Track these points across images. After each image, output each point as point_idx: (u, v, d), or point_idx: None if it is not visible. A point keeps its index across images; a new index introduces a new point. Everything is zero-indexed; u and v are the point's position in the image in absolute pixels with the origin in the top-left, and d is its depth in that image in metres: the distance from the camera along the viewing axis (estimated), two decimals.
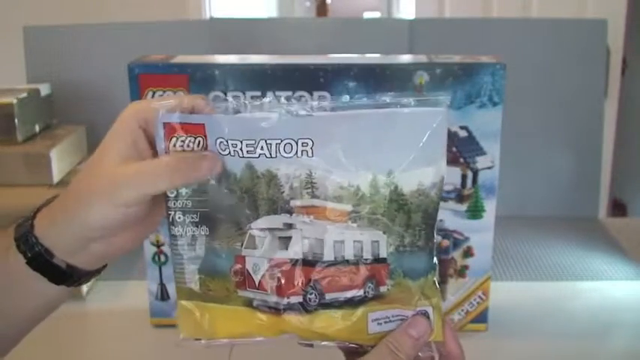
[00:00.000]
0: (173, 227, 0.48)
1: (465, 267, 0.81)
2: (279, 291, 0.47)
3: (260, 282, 0.48)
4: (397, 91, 0.68)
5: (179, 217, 0.48)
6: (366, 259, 0.48)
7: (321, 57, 0.80)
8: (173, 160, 0.46)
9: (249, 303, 0.48)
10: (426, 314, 0.48)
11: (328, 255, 0.47)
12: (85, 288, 0.93)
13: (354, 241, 0.47)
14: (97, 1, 1.40)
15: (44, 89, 1.12)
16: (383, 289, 0.48)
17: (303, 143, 0.46)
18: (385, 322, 0.48)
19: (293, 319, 0.48)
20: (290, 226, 0.47)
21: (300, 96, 0.50)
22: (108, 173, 0.46)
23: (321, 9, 5.77)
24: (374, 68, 0.75)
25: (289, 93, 0.76)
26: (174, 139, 0.47)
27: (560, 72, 1.19)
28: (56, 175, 0.98)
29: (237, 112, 0.47)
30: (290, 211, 0.47)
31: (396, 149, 0.46)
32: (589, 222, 1.20)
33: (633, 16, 1.48)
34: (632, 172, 1.79)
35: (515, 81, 0.83)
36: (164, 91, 0.77)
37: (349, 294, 0.48)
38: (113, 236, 0.49)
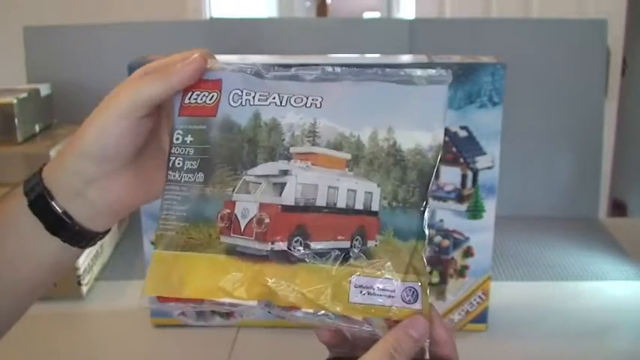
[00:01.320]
0: (170, 172, 0.49)
1: (465, 267, 0.81)
2: (264, 236, 0.46)
3: (246, 227, 0.47)
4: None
5: (178, 163, 0.49)
6: (358, 210, 0.47)
7: (321, 57, 0.80)
8: (161, 67, 0.48)
9: (230, 250, 0.47)
10: (414, 293, 0.46)
11: (321, 200, 0.47)
12: (84, 288, 0.93)
13: (348, 190, 0.47)
14: (97, 1, 1.39)
15: (44, 89, 1.12)
16: (371, 243, 0.46)
17: (313, 99, 0.48)
18: (369, 294, 0.45)
19: (274, 271, 0.46)
20: (286, 172, 0.48)
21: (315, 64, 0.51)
22: (108, 96, 0.48)
23: (321, 9, 5.76)
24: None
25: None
26: (189, 94, 0.50)
27: (560, 72, 1.19)
28: None
29: (259, 75, 0.50)
30: (289, 158, 0.48)
31: (398, 114, 0.48)
32: (589, 222, 1.20)
33: (633, 16, 1.48)
34: (632, 172, 1.79)
35: (515, 81, 0.83)
36: None
37: (336, 244, 0.47)
38: (108, 177, 0.48)
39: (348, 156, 0.48)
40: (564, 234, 1.14)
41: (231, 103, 0.49)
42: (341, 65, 0.51)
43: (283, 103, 0.49)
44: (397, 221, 0.47)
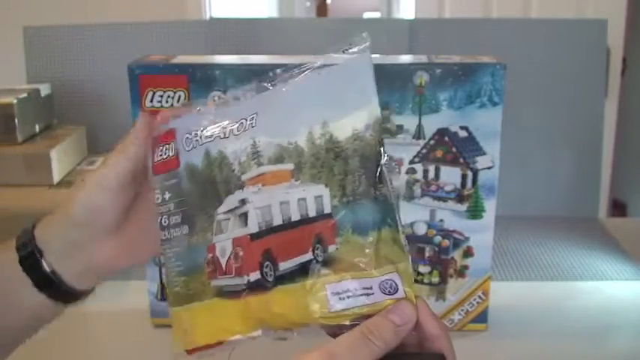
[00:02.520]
0: (162, 232, 0.50)
1: (465, 267, 0.81)
2: (240, 270, 0.46)
3: (227, 266, 0.47)
4: (398, 92, 0.69)
5: (165, 221, 0.50)
6: (312, 217, 0.46)
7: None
8: (129, 136, 0.53)
9: (219, 292, 0.47)
10: (392, 284, 0.44)
11: (277, 219, 0.46)
12: None
13: (299, 199, 0.46)
14: (97, 1, 1.40)
15: (44, 89, 1.12)
16: (332, 248, 0.45)
17: (250, 118, 0.48)
18: (348, 297, 0.43)
19: (254, 301, 0.46)
20: (244, 201, 0.47)
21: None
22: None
23: (321, 9, 5.76)
24: (374, 68, 0.75)
25: None
26: (156, 151, 0.51)
27: (560, 72, 1.19)
28: (56, 175, 0.98)
29: (200, 113, 0.51)
30: (242, 186, 0.48)
31: (329, 102, 0.47)
32: (589, 222, 1.20)
33: (633, 16, 1.48)
34: (632, 172, 1.79)
35: (515, 81, 0.83)
36: (164, 91, 0.77)
37: (299, 259, 0.45)
38: (94, 242, 0.52)
39: (291, 166, 0.47)
40: (564, 234, 1.14)
41: (186, 147, 0.50)
42: (272, 68, 0.50)
43: (226, 135, 0.49)
44: (353, 216, 0.45)
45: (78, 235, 0.51)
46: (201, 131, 0.49)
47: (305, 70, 0.48)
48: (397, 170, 0.78)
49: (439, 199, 0.78)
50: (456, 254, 0.80)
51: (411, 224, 0.79)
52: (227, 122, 0.49)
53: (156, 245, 0.52)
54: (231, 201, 0.48)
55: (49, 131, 1.09)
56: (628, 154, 1.64)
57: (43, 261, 0.51)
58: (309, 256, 0.45)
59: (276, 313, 0.45)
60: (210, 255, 0.48)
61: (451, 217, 0.79)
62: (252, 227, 0.47)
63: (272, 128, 0.47)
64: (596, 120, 1.22)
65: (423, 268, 0.81)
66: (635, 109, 1.64)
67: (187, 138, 0.50)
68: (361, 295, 0.43)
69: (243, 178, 0.48)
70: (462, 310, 0.82)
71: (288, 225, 0.46)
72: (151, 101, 0.77)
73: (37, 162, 0.96)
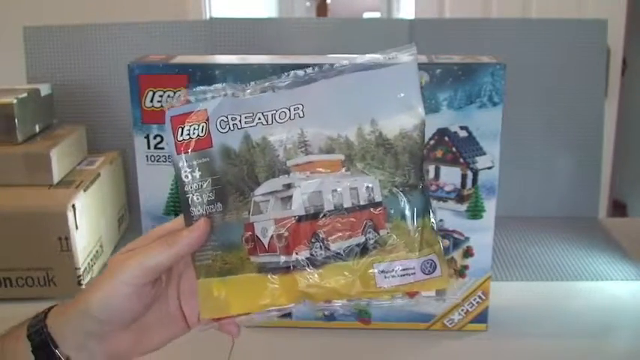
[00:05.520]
0: (193, 209, 0.52)
1: (465, 267, 0.81)
2: (287, 249, 0.50)
3: (269, 244, 0.51)
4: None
5: (197, 199, 0.52)
6: (363, 205, 0.50)
7: (321, 57, 0.80)
8: (167, 237, 0.51)
9: (261, 268, 0.51)
10: (432, 264, 0.50)
11: (328, 205, 0.50)
12: (84, 288, 0.93)
13: (350, 188, 0.50)
14: (97, 1, 1.39)
15: (44, 89, 1.12)
16: (383, 232, 0.51)
17: (294, 108, 0.51)
18: (392, 276, 0.50)
19: (303, 276, 0.50)
20: (289, 185, 0.51)
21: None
22: (114, 261, 0.51)
23: (321, 9, 5.76)
24: None
25: None
26: (179, 130, 0.52)
27: (560, 72, 1.19)
28: (56, 175, 0.98)
29: (235, 96, 0.52)
30: (288, 172, 0.51)
31: (377, 102, 0.51)
32: (589, 222, 1.20)
33: (633, 16, 1.48)
34: (632, 172, 1.79)
35: (515, 81, 0.83)
36: (164, 91, 0.77)
37: (352, 241, 0.50)
38: (112, 334, 0.51)
39: (342, 157, 0.51)
40: (564, 234, 1.14)
41: (220, 129, 0.52)
42: (310, 65, 0.52)
43: (269, 122, 0.51)
44: (401, 205, 0.51)
45: (95, 328, 0.51)
46: (240, 116, 0.51)
47: (352, 69, 0.51)
48: None
49: (439, 199, 0.78)
50: (456, 254, 0.80)
51: None
52: (267, 110, 0.51)
53: (172, 331, 0.55)
54: (272, 184, 0.51)
55: (49, 131, 1.09)
56: (628, 154, 1.64)
57: (57, 352, 0.50)
58: (361, 238, 0.51)
59: (327, 287, 0.50)
60: (249, 233, 0.51)
61: (451, 217, 0.79)
62: (298, 210, 0.50)
63: (321, 120, 0.51)
64: (596, 120, 1.22)
65: None
66: (635, 109, 1.64)
67: (223, 120, 0.51)
68: (405, 275, 0.50)
69: (289, 164, 0.51)
70: (462, 310, 0.82)
71: (340, 210, 0.51)
72: (151, 101, 0.77)
73: (37, 162, 0.96)
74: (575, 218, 1.21)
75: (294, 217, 0.50)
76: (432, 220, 0.51)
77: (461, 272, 0.81)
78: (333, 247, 0.50)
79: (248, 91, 0.52)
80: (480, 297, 0.82)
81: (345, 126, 0.51)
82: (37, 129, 1.06)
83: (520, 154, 1.19)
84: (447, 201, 0.78)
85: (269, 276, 0.51)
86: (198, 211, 0.52)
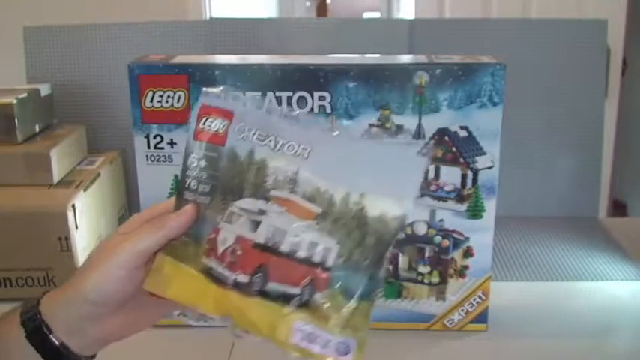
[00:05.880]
0: (187, 192, 0.54)
1: (465, 267, 0.81)
2: (233, 266, 0.52)
3: (222, 254, 0.52)
4: (398, 91, 0.69)
5: (194, 186, 0.54)
6: (314, 262, 0.52)
7: (321, 57, 0.80)
8: (156, 220, 0.53)
9: (206, 270, 0.53)
10: (347, 347, 0.51)
11: (285, 246, 0.52)
12: None
13: (310, 242, 0.52)
14: (97, 1, 1.39)
15: (44, 89, 1.12)
16: (318, 296, 0.52)
17: (303, 148, 0.53)
18: (308, 341, 0.51)
19: (235, 297, 0.52)
20: (263, 212, 0.52)
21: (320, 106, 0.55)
22: (108, 245, 0.53)
23: (321, 9, 5.76)
24: (374, 68, 0.75)
25: (289, 93, 0.76)
26: (203, 119, 0.54)
27: (560, 72, 1.19)
28: (56, 175, 0.98)
29: (268, 112, 0.54)
30: (267, 199, 0.53)
31: (376, 178, 0.52)
32: (589, 222, 1.20)
33: (633, 16, 1.48)
34: (632, 172, 1.79)
35: (515, 81, 0.83)
36: (164, 91, 0.77)
37: (288, 289, 0.52)
38: (106, 316, 0.53)
39: (319, 210, 0.52)
40: (564, 234, 1.14)
41: (237, 134, 0.53)
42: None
43: (277, 148, 0.53)
44: (347, 280, 0.52)
45: (89, 311, 0.52)
46: (256, 131, 0.53)
47: (369, 136, 0.55)
48: None
49: (439, 199, 0.78)
50: (456, 254, 0.80)
51: (411, 224, 0.79)
52: (281, 137, 0.53)
53: (160, 309, 0.56)
54: (251, 203, 0.53)
55: (49, 131, 1.09)
56: (628, 154, 1.64)
57: (52, 337, 0.51)
58: (297, 290, 0.52)
59: (248, 318, 0.52)
60: (213, 236, 0.53)
61: (451, 217, 0.79)
62: (259, 238, 0.52)
63: (318, 170, 0.52)
64: (596, 120, 1.22)
65: (423, 268, 0.81)
66: (635, 109, 1.64)
67: (241, 126, 0.53)
68: (319, 344, 0.51)
69: (272, 193, 0.53)
70: (462, 310, 0.82)
71: (292, 256, 0.52)
72: (151, 101, 0.77)
73: (37, 162, 0.96)
74: (575, 218, 1.21)
75: (253, 241, 0.52)
76: (373, 307, 0.52)
77: (461, 272, 0.81)
78: (270, 285, 0.52)
79: (279, 111, 0.54)
80: (480, 297, 0.82)
81: (336, 185, 0.52)
82: (37, 129, 1.06)
83: (520, 154, 1.19)
84: (447, 201, 0.78)
85: (209, 280, 0.53)
86: (191, 197, 0.54)
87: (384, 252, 0.52)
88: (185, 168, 0.54)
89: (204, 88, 0.54)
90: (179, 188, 0.55)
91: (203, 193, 0.54)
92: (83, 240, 0.94)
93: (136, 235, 0.52)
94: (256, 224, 0.52)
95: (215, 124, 0.54)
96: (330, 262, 0.52)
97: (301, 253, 0.52)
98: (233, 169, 0.53)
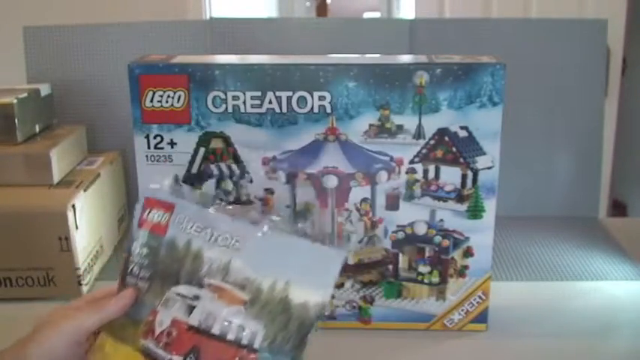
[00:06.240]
0: (129, 276, 0.61)
1: (465, 267, 0.81)
2: (168, 347, 0.57)
3: (159, 335, 0.58)
4: (398, 91, 0.69)
5: (135, 271, 0.61)
6: (243, 344, 0.57)
7: (321, 57, 0.80)
8: (98, 301, 0.60)
9: (143, 350, 0.58)
10: None
11: (216, 329, 0.57)
12: (85, 288, 0.93)
13: (239, 325, 0.57)
14: (97, 1, 1.39)
15: (44, 89, 1.12)
16: None
17: (236, 240, 0.59)
18: None
19: None
20: (197, 297, 0.58)
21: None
22: (50, 319, 0.58)
23: (321, 9, 5.76)
24: (374, 68, 0.75)
25: (289, 93, 0.76)
26: (147, 210, 0.61)
27: (560, 72, 1.19)
28: (56, 175, 0.98)
29: (205, 206, 0.61)
30: (202, 285, 0.58)
31: (299, 271, 0.58)
32: (589, 222, 1.20)
33: (633, 16, 1.48)
34: (632, 172, 1.79)
35: (515, 81, 0.83)
36: (164, 91, 0.77)
37: None
38: None
39: (247, 297, 0.57)
40: (564, 234, 1.14)
41: (177, 226, 0.60)
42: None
43: (212, 240, 0.59)
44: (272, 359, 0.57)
45: None
46: (194, 223, 0.60)
47: (293, 232, 0.59)
48: (397, 171, 0.78)
49: (439, 199, 0.78)
50: (456, 254, 0.80)
51: (411, 224, 0.79)
52: (217, 229, 0.59)
53: None
54: (187, 289, 0.59)
55: (49, 131, 1.09)
56: (628, 154, 1.64)
57: None
58: None
59: None
60: (151, 318, 0.59)
61: (451, 217, 0.79)
62: (193, 321, 0.57)
63: (249, 260, 0.58)
64: (596, 120, 1.22)
65: (423, 268, 0.81)
66: (635, 109, 1.64)
67: (181, 218, 0.60)
68: None
69: (206, 280, 0.58)
70: (462, 310, 0.82)
71: (222, 338, 0.57)
72: (151, 101, 0.77)
73: (37, 162, 0.96)
74: (575, 218, 1.21)
75: (187, 324, 0.57)
76: None
77: (461, 272, 0.81)
78: None
79: (213, 207, 0.61)
80: (480, 297, 0.82)
81: (264, 274, 0.58)
82: (37, 129, 1.06)
83: (520, 154, 1.19)
84: (447, 201, 0.78)
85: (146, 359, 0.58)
86: (133, 281, 0.61)
87: (305, 335, 0.57)
88: (129, 254, 0.61)
89: (149, 186, 0.62)
90: (122, 272, 0.61)
91: (143, 278, 0.60)
92: (83, 240, 0.94)
93: (78, 313, 0.58)
94: (191, 308, 0.58)
95: (157, 216, 0.61)
96: (256, 344, 0.57)
97: (231, 336, 0.57)
98: (171, 257, 0.60)
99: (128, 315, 0.60)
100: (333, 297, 0.76)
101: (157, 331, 0.58)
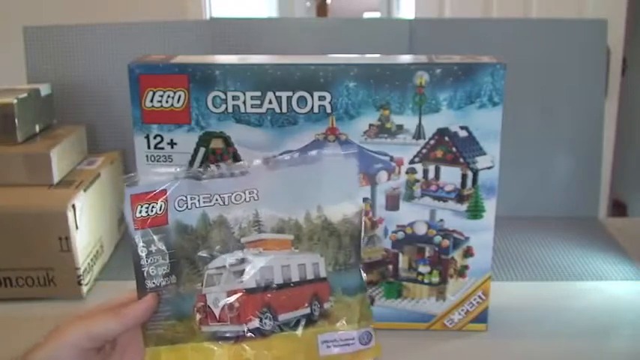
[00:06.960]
0: (148, 281, 0.57)
1: (465, 267, 0.81)
2: (238, 319, 0.55)
3: (220, 314, 0.55)
4: (398, 91, 0.70)
5: (152, 271, 0.57)
6: (310, 280, 0.57)
7: (321, 57, 0.80)
8: (116, 308, 0.55)
9: (212, 337, 0.56)
10: (369, 335, 0.57)
11: (277, 279, 0.56)
12: (85, 288, 0.93)
13: (298, 265, 0.57)
14: (97, 1, 1.40)
15: (44, 89, 1.12)
16: (327, 305, 0.57)
17: (250, 192, 0.58)
18: (334, 346, 0.56)
19: (252, 345, 0.55)
20: (243, 260, 0.56)
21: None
22: (62, 324, 0.55)
23: (321, 9, 5.76)
24: (374, 68, 0.75)
25: (289, 93, 0.76)
26: (138, 207, 0.57)
27: (560, 72, 1.19)
28: (56, 175, 0.98)
29: (197, 178, 0.58)
30: (242, 247, 0.57)
31: (322, 192, 0.58)
32: (589, 222, 1.20)
33: (633, 16, 1.48)
34: (632, 172, 1.79)
35: (515, 81, 0.83)
36: (164, 91, 0.77)
37: (299, 312, 0.57)
38: None
39: (291, 237, 0.57)
40: (564, 234, 1.14)
41: (177, 208, 0.57)
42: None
43: (226, 203, 0.57)
44: (343, 281, 0.58)
45: None
46: (199, 196, 0.57)
47: (300, 162, 0.59)
48: (397, 171, 0.78)
49: (439, 199, 0.78)
50: (456, 254, 0.80)
51: (411, 224, 0.79)
52: (224, 192, 0.57)
53: None
54: (227, 258, 0.57)
55: (49, 131, 1.09)
56: (628, 154, 1.64)
57: None
58: (307, 310, 0.57)
59: (274, 355, 0.55)
60: (201, 303, 0.56)
61: (451, 217, 0.79)
62: (249, 283, 0.56)
63: (274, 204, 0.57)
64: (596, 120, 1.22)
65: (423, 268, 0.81)
66: (635, 109, 1.64)
67: (181, 200, 0.57)
68: (344, 344, 0.56)
69: (243, 240, 0.57)
70: (462, 310, 0.82)
71: (288, 284, 0.56)
72: (151, 101, 0.77)
73: (37, 162, 0.96)
74: (575, 218, 1.21)
75: (245, 289, 0.56)
76: (367, 296, 0.58)
77: (461, 272, 0.81)
78: (281, 317, 0.56)
79: (205, 175, 0.58)
80: (480, 297, 0.82)
81: (294, 210, 0.57)
82: (37, 129, 1.06)
83: (520, 154, 1.19)
84: (447, 201, 0.78)
85: (218, 344, 0.55)
86: (153, 283, 0.57)
87: (358, 245, 0.58)
88: (138, 259, 0.57)
89: (125, 184, 0.57)
90: (138, 279, 0.57)
91: (165, 275, 0.57)
92: (83, 240, 0.94)
93: (91, 319, 0.55)
94: (240, 273, 0.56)
95: (151, 209, 0.57)
96: (322, 274, 0.57)
97: (295, 278, 0.56)
98: (187, 239, 0.57)
99: (169, 315, 0.56)
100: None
101: (217, 311, 0.56)
